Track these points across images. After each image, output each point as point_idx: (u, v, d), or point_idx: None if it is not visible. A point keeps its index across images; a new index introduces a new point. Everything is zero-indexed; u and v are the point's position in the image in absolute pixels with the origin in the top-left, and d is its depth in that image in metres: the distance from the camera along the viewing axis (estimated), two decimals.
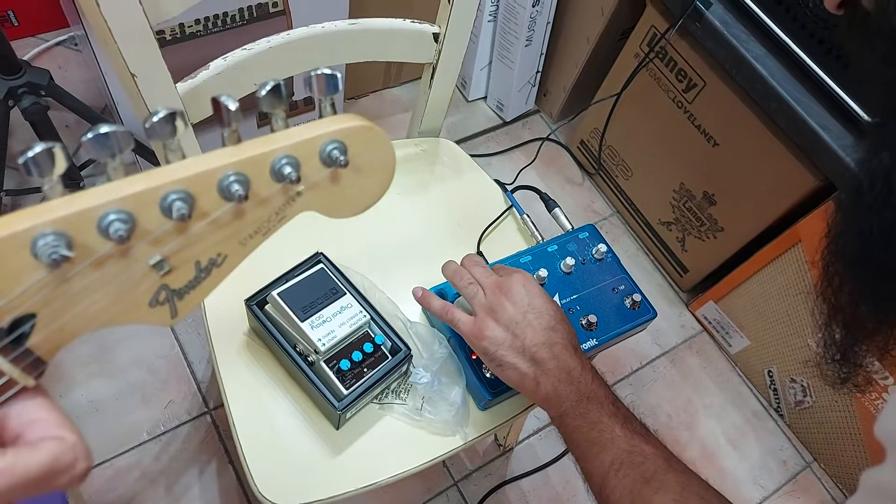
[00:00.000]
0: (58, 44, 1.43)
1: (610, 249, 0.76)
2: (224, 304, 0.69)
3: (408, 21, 0.75)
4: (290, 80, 0.98)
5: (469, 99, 1.61)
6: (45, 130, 1.08)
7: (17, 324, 0.25)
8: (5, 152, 1.06)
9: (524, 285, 0.60)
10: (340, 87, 0.32)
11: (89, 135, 0.26)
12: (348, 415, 0.62)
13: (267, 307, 0.64)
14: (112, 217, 0.25)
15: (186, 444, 1.08)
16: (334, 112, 0.32)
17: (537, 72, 1.53)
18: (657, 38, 1.18)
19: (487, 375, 0.66)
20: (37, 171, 0.24)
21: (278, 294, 0.62)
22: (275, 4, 1.19)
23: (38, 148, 0.24)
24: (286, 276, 0.65)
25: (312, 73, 0.31)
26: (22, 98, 0.99)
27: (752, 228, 1.18)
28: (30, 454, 0.25)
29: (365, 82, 1.52)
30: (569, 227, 0.80)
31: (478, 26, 1.45)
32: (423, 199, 0.82)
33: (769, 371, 1.27)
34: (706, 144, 1.19)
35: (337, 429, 0.64)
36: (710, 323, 1.35)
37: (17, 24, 1.39)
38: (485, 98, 1.62)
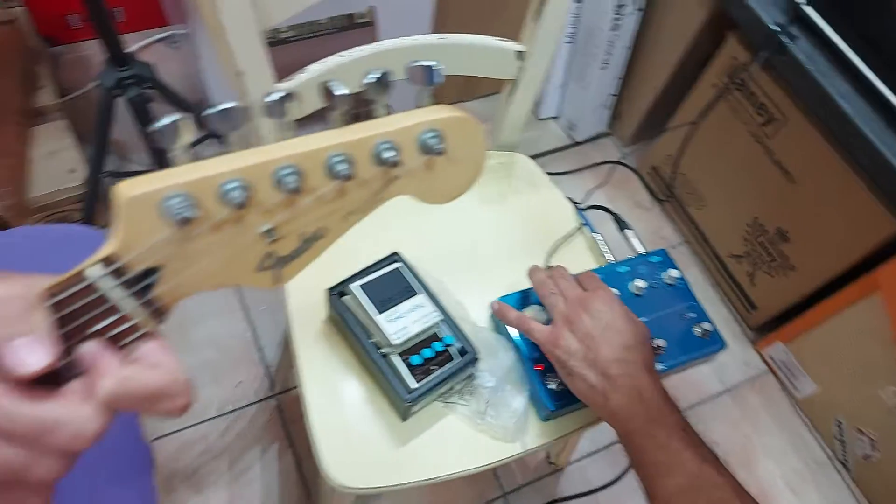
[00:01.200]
0: (157, 41, 1.53)
1: (682, 276, 0.76)
2: (305, 293, 0.73)
3: (493, 38, 0.78)
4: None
5: (540, 117, 1.63)
6: (144, 119, 1.16)
7: (144, 275, 0.29)
8: (108, 137, 1.15)
9: (607, 302, 0.61)
10: (437, 79, 0.34)
11: (216, 108, 0.29)
12: (415, 408, 0.65)
13: (346, 298, 0.68)
14: (232, 185, 0.28)
15: (251, 425, 1.13)
16: (432, 103, 0.34)
17: (612, 95, 1.54)
18: (738, 70, 1.17)
19: (552, 388, 0.67)
20: (166, 140, 0.28)
21: (359, 286, 0.66)
22: (361, 16, 1.24)
23: (168, 120, 0.28)
24: (364, 272, 0.69)
25: (412, 64, 0.34)
26: (128, 88, 1.07)
27: (826, 270, 1.15)
28: (150, 372, 0.28)
29: (442, 94, 1.57)
30: (641, 249, 0.81)
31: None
32: (496, 210, 0.85)
33: (838, 421, 1.23)
34: (783, 180, 1.17)
35: (403, 420, 0.67)
36: (776, 364, 1.32)
37: (122, 20, 1.50)
38: (556, 118, 1.64)
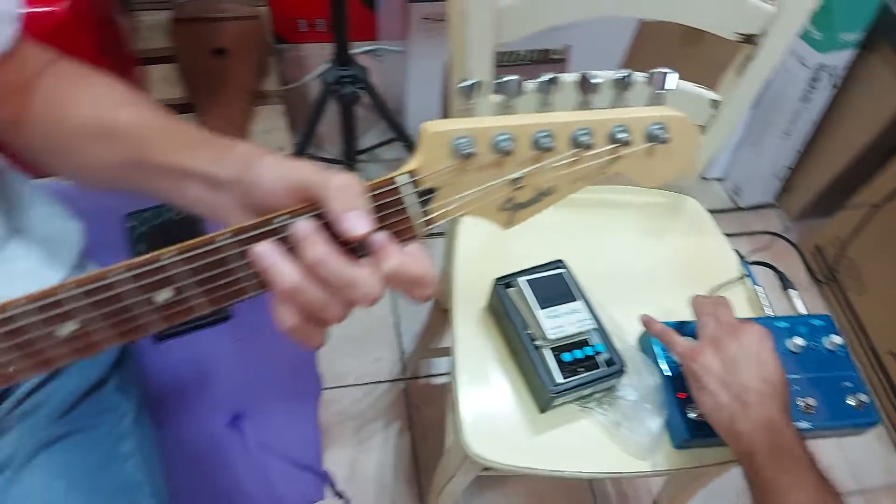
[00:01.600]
0: (366, 52, 1.72)
1: (844, 344, 0.75)
2: (471, 281, 0.80)
3: (692, 84, 0.82)
4: None
5: (704, 176, 1.63)
6: (348, 115, 1.31)
7: (427, 192, 0.37)
8: (316, 125, 1.31)
9: (758, 337, 0.63)
10: (668, 85, 0.41)
11: (506, 78, 0.37)
12: (556, 402, 0.70)
13: (511, 290, 0.74)
14: (503, 137, 0.36)
15: (380, 400, 1.22)
16: (661, 103, 0.41)
17: (787, 166, 1.51)
18: None
19: (691, 417, 0.69)
20: (469, 94, 0.36)
21: (526, 280, 0.72)
22: (556, 52, 1.33)
23: (469, 82, 0.36)
24: (530, 270, 0.75)
25: (654, 72, 0.40)
26: (344, 86, 1.23)
27: None
28: (417, 263, 0.36)
29: None
30: (803, 311, 0.81)
31: None
32: (660, 244, 0.88)
33: None
34: None
35: (541, 412, 0.71)
36: None
37: None
38: (721, 179, 1.63)
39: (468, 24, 0.65)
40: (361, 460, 1.15)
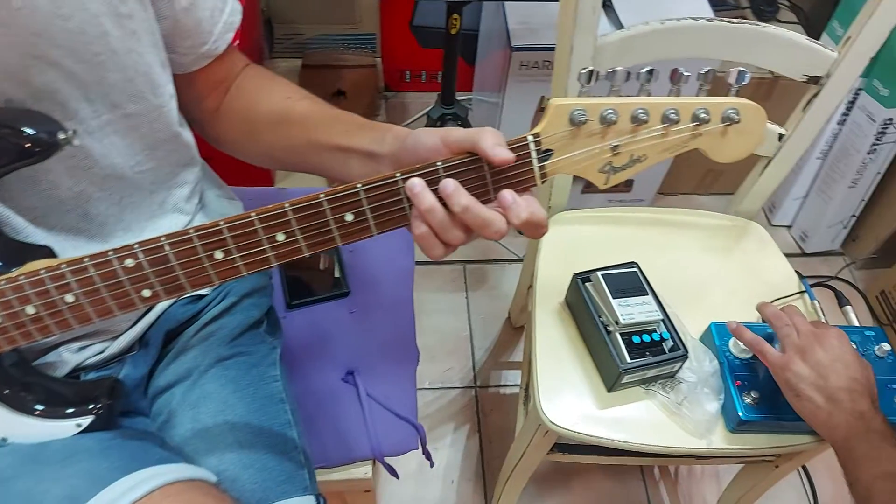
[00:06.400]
0: (460, 100, 1.90)
1: (892, 351, 0.82)
2: (551, 278, 0.91)
3: None
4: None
5: (773, 223, 1.69)
6: None
7: (545, 152, 0.49)
8: None
9: (839, 339, 0.71)
10: (744, 80, 0.53)
11: (616, 68, 0.50)
12: (624, 380, 0.79)
13: (588, 283, 0.85)
14: (609, 111, 0.48)
15: (451, 405, 1.32)
16: (736, 94, 0.53)
17: (853, 216, 1.56)
18: None
19: (747, 402, 0.77)
20: (584, 79, 0.49)
21: (602, 275, 0.83)
22: None
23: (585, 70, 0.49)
24: (606, 268, 0.85)
25: (733, 69, 0.52)
26: (447, 122, 1.39)
27: None
28: (540, 209, 0.48)
29: (680, 182, 1.71)
30: (856, 324, 0.88)
31: (804, 159, 1.56)
32: (725, 259, 0.97)
33: None
34: None
35: (608, 391, 0.81)
36: None
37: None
38: (789, 227, 1.69)
39: (573, 55, 0.79)
40: (432, 457, 1.25)
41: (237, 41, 0.66)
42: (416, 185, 0.47)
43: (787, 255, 1.64)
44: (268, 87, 0.66)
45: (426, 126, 1.41)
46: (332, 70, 1.60)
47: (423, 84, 1.89)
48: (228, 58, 0.64)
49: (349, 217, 0.48)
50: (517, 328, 1.44)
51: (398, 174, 0.47)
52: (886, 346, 0.82)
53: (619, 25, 1.32)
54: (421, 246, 0.49)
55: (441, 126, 1.43)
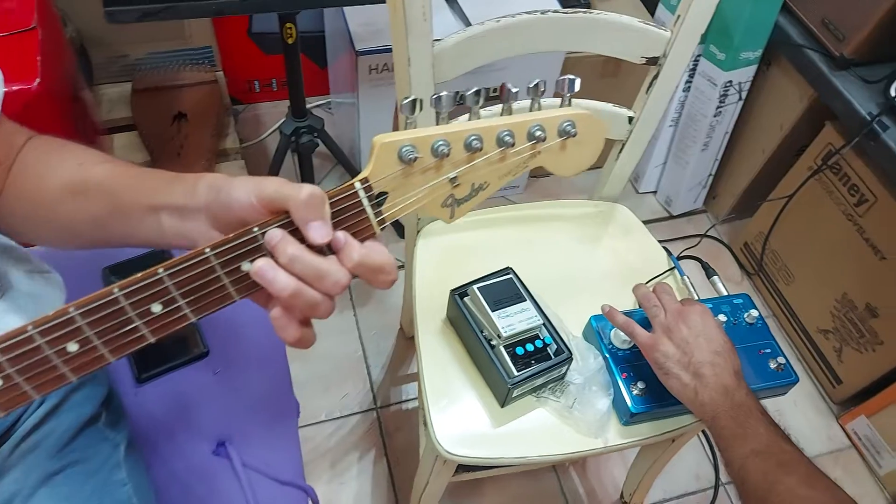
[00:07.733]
0: (318, 105, 1.81)
1: (761, 317, 0.85)
2: (430, 297, 0.87)
3: (611, 104, 0.93)
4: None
5: (639, 191, 1.76)
6: (306, 164, 1.38)
7: (378, 195, 0.44)
8: (277, 174, 1.37)
9: (701, 315, 0.72)
10: (575, 88, 0.50)
11: (441, 93, 0.45)
12: (514, 393, 0.76)
13: (466, 298, 0.81)
14: (440, 143, 0.44)
15: (352, 432, 1.26)
16: (569, 104, 0.49)
17: (709, 175, 1.64)
18: (832, 154, 1.26)
19: (635, 394, 0.77)
20: (407, 110, 0.44)
21: (478, 288, 0.79)
22: (494, 90, 1.43)
23: (410, 98, 0.44)
24: (481, 279, 0.82)
25: (561, 79, 0.49)
26: (301, 136, 1.30)
27: None
28: (380, 252, 0.43)
29: None
30: (724, 293, 0.90)
31: (658, 129, 1.61)
32: (595, 248, 0.97)
33: None
34: (874, 257, 1.22)
35: (501, 406, 0.78)
36: (859, 439, 1.32)
37: None
38: (654, 192, 1.76)
39: (411, 66, 0.74)
40: (340, 493, 1.18)
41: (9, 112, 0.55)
42: (266, 269, 0.41)
43: (657, 220, 1.73)
44: (56, 158, 0.55)
45: (280, 144, 1.32)
46: (168, 91, 1.44)
47: (275, 92, 1.78)
48: (1, 134, 0.54)
49: (156, 308, 0.41)
50: (411, 338, 1.40)
51: (207, 249, 0.40)
52: (755, 313, 0.84)
53: (466, 21, 1.29)
54: (296, 345, 0.44)
55: (296, 142, 1.38)
